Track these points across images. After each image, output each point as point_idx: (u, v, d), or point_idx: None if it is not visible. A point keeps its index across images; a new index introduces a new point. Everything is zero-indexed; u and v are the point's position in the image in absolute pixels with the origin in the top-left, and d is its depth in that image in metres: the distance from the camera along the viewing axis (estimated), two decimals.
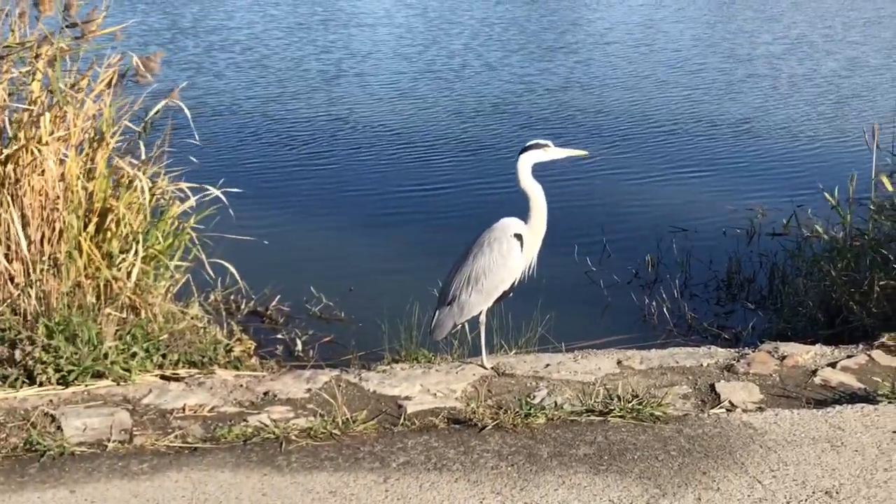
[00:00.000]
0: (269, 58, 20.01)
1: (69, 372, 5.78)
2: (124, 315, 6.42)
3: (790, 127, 15.04)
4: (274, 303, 8.39)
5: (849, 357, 6.34)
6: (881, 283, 7.33)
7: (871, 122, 9.28)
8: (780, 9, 26.15)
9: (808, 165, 13.00)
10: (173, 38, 21.75)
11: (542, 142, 5.87)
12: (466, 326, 6.43)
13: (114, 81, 6.83)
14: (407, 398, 5.71)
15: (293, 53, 20.45)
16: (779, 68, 19.09)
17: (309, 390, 5.80)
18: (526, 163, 5.80)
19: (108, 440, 5.20)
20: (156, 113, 7.08)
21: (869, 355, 6.35)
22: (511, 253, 5.83)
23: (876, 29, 23.02)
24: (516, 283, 5.97)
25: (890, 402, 5.61)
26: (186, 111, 7.28)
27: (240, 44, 21.35)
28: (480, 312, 6.01)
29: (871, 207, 8.08)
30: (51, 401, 5.58)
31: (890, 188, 7.87)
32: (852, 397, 5.78)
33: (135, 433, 5.28)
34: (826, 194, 8.27)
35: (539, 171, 5.87)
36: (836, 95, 16.96)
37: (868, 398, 5.72)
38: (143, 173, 6.74)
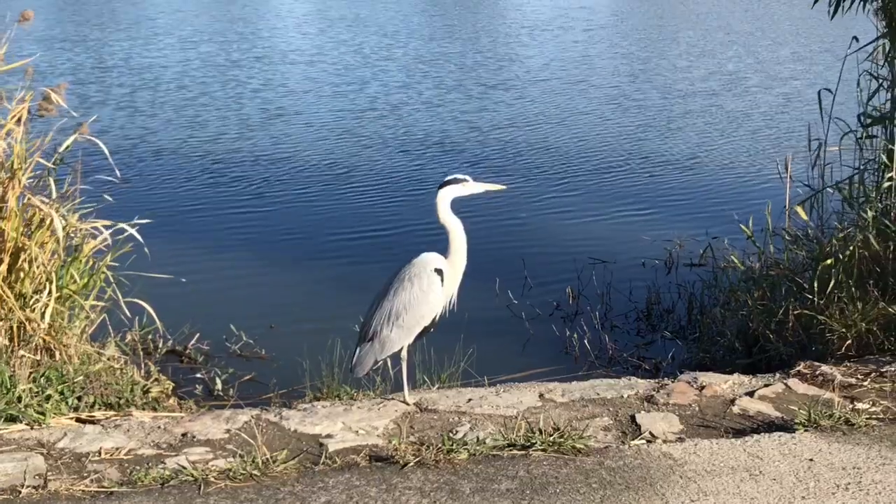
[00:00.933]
0: (204, 95, 19.91)
1: None
2: (38, 357, 6.30)
3: (707, 159, 15.30)
4: (193, 342, 8.29)
5: (766, 386, 6.42)
6: (796, 312, 7.46)
7: (785, 154, 9.47)
8: (711, 45, 26.59)
9: (724, 196, 13.23)
10: (105, 75, 21.58)
11: (460, 177, 5.87)
12: (388, 362, 6.40)
13: (24, 118, 6.72)
14: (328, 436, 5.65)
15: (228, 91, 20.35)
16: (695, 103, 19.40)
17: (228, 430, 5.71)
18: (444, 198, 5.80)
19: (22, 486, 5.06)
20: (66, 148, 6.99)
21: (785, 384, 6.44)
22: (431, 288, 5.81)
23: (791, 63, 23.52)
24: (437, 318, 5.95)
25: (806, 430, 5.68)
26: (103, 147, 7.20)
27: (175, 81, 21.22)
28: (402, 348, 5.96)
29: (786, 237, 8.23)
30: None
31: (805, 217, 8.03)
32: (770, 426, 5.84)
33: (49, 478, 5.15)
34: (742, 225, 8.41)
35: (460, 205, 5.88)
36: (752, 128, 17.29)
37: (785, 426, 5.79)
38: (57, 211, 6.62)
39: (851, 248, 7.43)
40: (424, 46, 26.45)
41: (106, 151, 7.23)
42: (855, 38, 8.04)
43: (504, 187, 6.29)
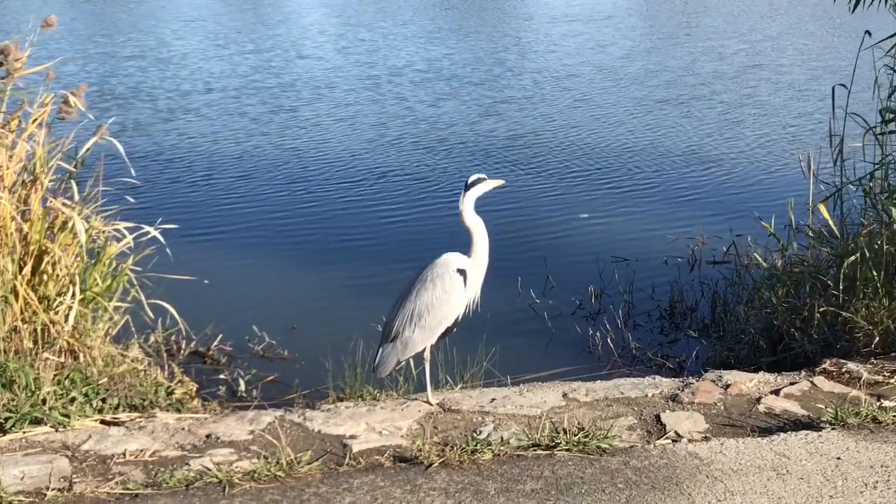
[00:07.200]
0: (228, 97, 19.95)
1: (6, 419, 5.66)
2: (62, 359, 6.31)
3: (728, 156, 15.22)
4: (216, 343, 8.29)
5: (792, 384, 6.37)
6: (821, 309, 7.40)
7: (807, 150, 9.40)
8: (732, 42, 26.43)
9: (747, 194, 13.16)
10: (128, 76, 21.70)
11: (482, 176, 5.87)
12: (411, 362, 6.39)
13: (45, 121, 6.73)
14: (352, 437, 5.64)
15: (251, 94, 20.35)
16: (716, 99, 19.32)
17: (252, 432, 5.71)
18: (471, 199, 5.79)
19: (48, 488, 5.07)
20: (87, 151, 6.99)
21: (811, 381, 6.39)
22: (454, 288, 5.80)
23: (812, 58, 23.41)
24: (460, 318, 5.93)
25: (833, 429, 5.64)
26: (120, 147, 7.20)
27: (199, 83, 21.28)
28: (425, 348, 5.95)
29: (810, 234, 8.17)
30: None
31: (827, 216, 7.96)
32: (796, 424, 5.80)
33: (74, 480, 5.16)
34: (763, 222, 8.35)
35: (480, 205, 5.86)
36: (773, 125, 17.19)
37: (812, 425, 5.75)
38: (79, 214, 6.63)
39: (878, 243, 7.36)
40: (449, 48, 26.34)
41: (123, 154, 7.23)
42: (867, 32, 7.96)
43: (503, 182, 6.17)
